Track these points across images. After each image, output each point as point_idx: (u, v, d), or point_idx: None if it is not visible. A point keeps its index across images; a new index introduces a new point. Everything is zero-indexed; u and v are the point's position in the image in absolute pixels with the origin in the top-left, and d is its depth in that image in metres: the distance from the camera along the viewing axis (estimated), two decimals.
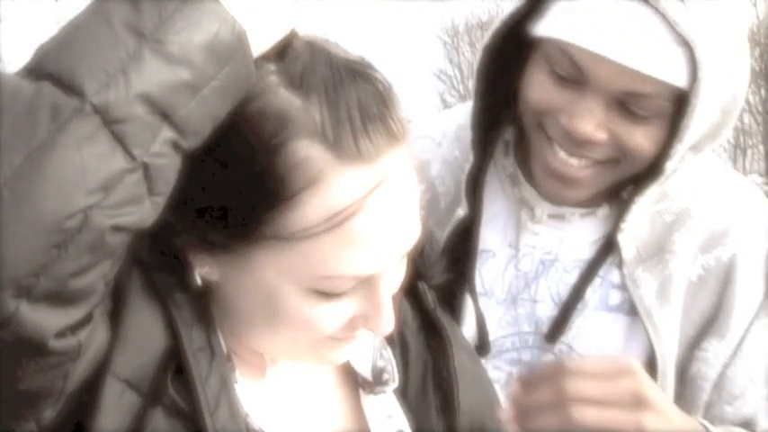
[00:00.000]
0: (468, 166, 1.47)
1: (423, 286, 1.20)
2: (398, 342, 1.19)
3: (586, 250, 1.44)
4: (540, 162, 1.37)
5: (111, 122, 0.87)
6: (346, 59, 1.03)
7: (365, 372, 1.16)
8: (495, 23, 1.35)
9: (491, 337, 1.45)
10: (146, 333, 1.01)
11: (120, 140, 0.88)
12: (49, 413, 0.95)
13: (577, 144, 1.31)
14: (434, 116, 1.71)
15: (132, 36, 0.90)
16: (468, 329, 1.47)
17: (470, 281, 1.47)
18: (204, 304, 1.05)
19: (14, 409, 0.95)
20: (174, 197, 0.95)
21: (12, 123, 0.87)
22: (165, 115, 0.90)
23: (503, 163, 1.49)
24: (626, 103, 1.28)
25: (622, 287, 1.41)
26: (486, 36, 1.37)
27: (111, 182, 0.88)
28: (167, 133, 0.91)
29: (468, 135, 1.44)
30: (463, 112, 1.49)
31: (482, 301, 1.47)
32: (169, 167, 0.92)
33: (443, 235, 1.47)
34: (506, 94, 1.38)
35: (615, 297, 1.42)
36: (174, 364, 1.01)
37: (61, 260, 0.87)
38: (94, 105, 0.87)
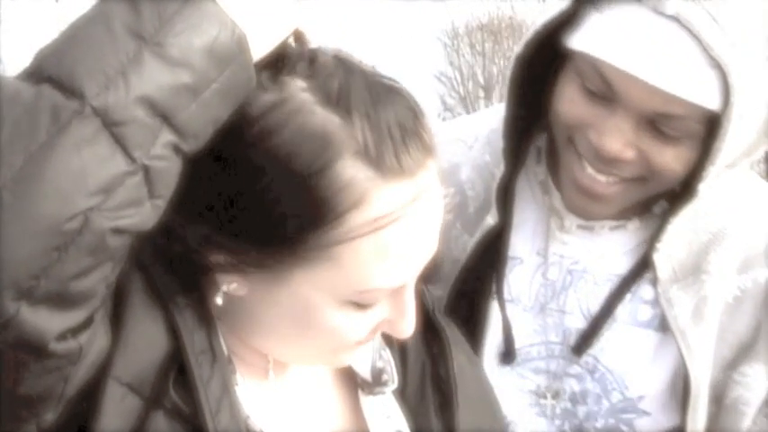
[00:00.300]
0: (498, 172, 1.45)
1: (422, 288, 1.19)
2: (397, 343, 1.18)
3: (617, 263, 1.42)
4: (569, 176, 1.36)
5: (111, 125, 0.87)
6: (377, 75, 1.04)
7: (364, 372, 1.16)
8: (529, 32, 1.33)
9: (516, 345, 1.44)
10: (147, 336, 1.01)
11: (121, 143, 0.88)
12: (49, 416, 0.95)
13: (605, 161, 1.31)
14: (466, 118, 1.69)
15: (132, 39, 0.90)
16: (494, 336, 1.47)
17: (499, 289, 1.46)
18: (206, 307, 1.05)
19: (15, 412, 0.95)
20: (206, 219, 0.99)
21: (12, 126, 0.86)
22: (166, 118, 0.90)
23: (534, 170, 1.48)
24: (656, 123, 1.26)
25: (653, 303, 1.39)
26: (519, 45, 1.35)
27: (112, 184, 0.88)
28: (168, 136, 0.91)
29: (499, 140, 1.42)
30: (496, 116, 1.47)
31: (508, 308, 1.46)
32: (170, 170, 0.92)
33: (472, 241, 1.46)
34: (538, 102, 1.36)
35: (645, 313, 1.41)
36: (176, 368, 1.01)
37: (62, 262, 0.87)
38: (94, 108, 0.87)
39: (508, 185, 1.45)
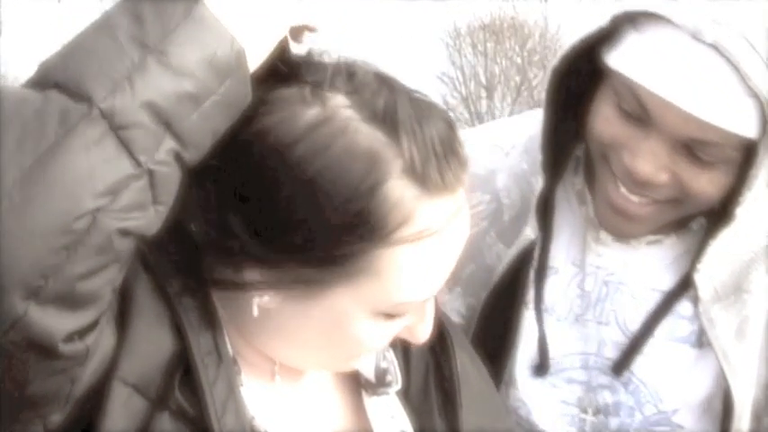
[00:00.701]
0: (535, 181, 1.44)
1: None
2: (400, 344, 1.17)
3: (655, 277, 1.40)
4: (602, 194, 1.35)
5: (117, 128, 0.89)
6: (415, 92, 1.05)
7: (368, 373, 1.15)
8: (567, 46, 1.32)
9: (553, 357, 1.43)
10: (153, 338, 1.01)
11: (126, 146, 0.89)
12: (56, 418, 0.96)
13: (638, 184, 1.30)
14: (501, 123, 1.66)
15: (137, 47, 0.91)
16: (527, 346, 1.45)
17: (538, 301, 1.43)
18: (211, 309, 1.05)
19: (22, 414, 0.95)
20: (255, 237, 0.99)
21: (20, 128, 0.88)
22: (168, 125, 0.91)
23: (572, 180, 1.47)
24: (691, 148, 1.24)
25: (691, 319, 1.38)
26: (556, 58, 1.34)
27: (118, 186, 0.89)
28: (170, 143, 0.92)
29: (537, 148, 1.41)
30: (533, 123, 1.45)
31: (543, 318, 1.45)
32: (172, 178, 0.93)
33: (509, 253, 1.45)
34: (576, 114, 1.35)
35: (683, 329, 1.40)
36: (181, 369, 1.01)
37: (70, 262, 0.87)
38: (102, 110, 0.88)
39: (548, 198, 1.44)
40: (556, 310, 1.44)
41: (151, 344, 1.00)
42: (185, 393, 1.00)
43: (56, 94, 0.89)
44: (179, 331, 1.02)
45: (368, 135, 0.99)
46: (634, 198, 1.32)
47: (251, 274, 1.02)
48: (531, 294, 1.45)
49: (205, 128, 0.94)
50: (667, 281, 1.41)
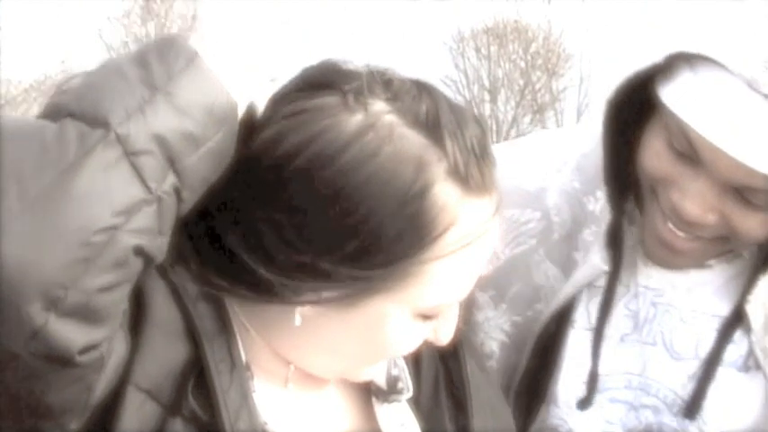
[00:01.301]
0: (587, 201, 1.41)
1: None
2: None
3: (705, 301, 1.39)
4: (649, 227, 1.35)
5: (131, 153, 0.93)
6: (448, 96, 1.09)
7: (379, 380, 1.16)
8: (622, 80, 1.30)
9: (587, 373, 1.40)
10: (167, 344, 1.03)
11: (139, 172, 0.94)
12: (74, 425, 0.98)
13: (686, 223, 1.28)
14: (551, 137, 1.63)
15: (146, 86, 0.96)
16: (570, 365, 1.42)
17: (600, 329, 1.41)
18: (225, 314, 1.07)
19: (40, 423, 0.97)
20: (306, 247, 1.00)
21: (41, 148, 0.92)
22: (172, 161, 0.96)
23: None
24: (741, 191, 1.24)
25: (739, 344, 1.37)
26: (611, 91, 1.32)
27: (132, 208, 0.93)
28: (172, 178, 0.96)
29: (590, 166, 1.39)
30: (585, 139, 1.44)
31: (586, 336, 1.44)
32: (172, 211, 0.97)
33: (574, 279, 1.43)
34: (629, 144, 1.34)
35: (731, 353, 1.39)
36: (195, 375, 1.02)
37: (89, 274, 0.91)
38: (118, 134, 0.93)
39: (617, 230, 1.42)
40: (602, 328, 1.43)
41: (165, 350, 1.02)
42: (198, 399, 1.01)
43: (72, 121, 0.93)
44: (193, 337, 1.03)
45: (412, 139, 1.02)
46: (681, 234, 1.31)
47: (302, 285, 1.03)
48: (578, 314, 1.44)
49: (200, 171, 0.98)
50: (716, 305, 1.40)
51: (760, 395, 1.36)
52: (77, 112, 0.94)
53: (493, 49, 20.96)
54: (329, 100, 1.03)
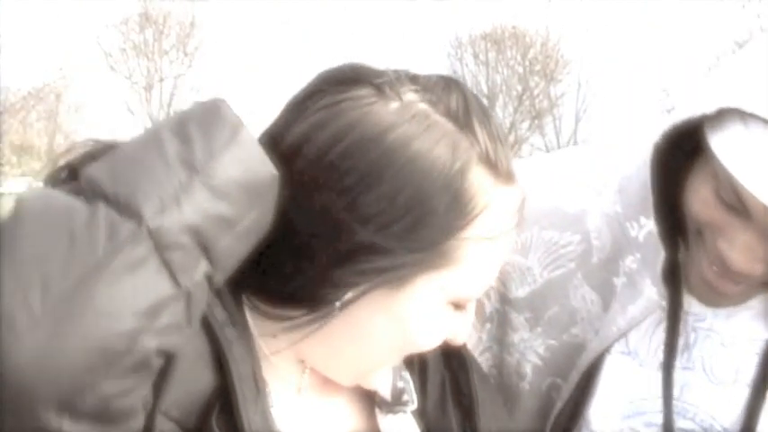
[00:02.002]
0: (630, 226, 1.40)
1: None
2: (417, 359, 1.20)
3: (745, 326, 1.38)
4: (694, 266, 1.32)
5: (161, 248, 0.90)
6: None
7: (384, 392, 1.16)
8: (669, 124, 1.27)
9: (629, 399, 1.39)
10: (196, 373, 1.01)
11: (168, 267, 0.91)
12: None
13: (732, 272, 1.27)
14: (589, 157, 1.59)
15: (184, 168, 0.93)
16: (606, 390, 1.42)
17: (668, 368, 1.39)
18: (250, 338, 1.07)
19: None
20: (362, 228, 1.01)
21: (70, 239, 0.89)
22: (206, 248, 0.94)
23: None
24: None
25: None
26: (658, 134, 1.30)
27: (158, 307, 0.90)
28: (204, 265, 0.94)
29: (633, 190, 1.38)
30: (625, 160, 1.42)
31: (625, 362, 1.42)
32: (202, 300, 0.95)
33: (629, 314, 1.41)
34: (679, 184, 1.32)
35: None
36: (220, 401, 1.02)
37: (107, 380, 0.88)
38: (150, 229, 0.90)
39: (674, 266, 1.37)
40: (639, 353, 1.41)
41: (194, 379, 1.01)
42: (220, 423, 1.01)
43: (104, 207, 0.90)
44: (220, 364, 1.02)
45: (446, 125, 1.04)
46: (725, 280, 1.30)
47: (359, 267, 1.03)
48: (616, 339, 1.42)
49: (234, 252, 0.97)
50: (756, 329, 1.38)
51: None
52: (111, 195, 0.91)
53: (491, 55, 20.99)
54: (363, 91, 1.05)
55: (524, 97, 21.01)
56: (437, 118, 1.05)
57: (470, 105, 1.08)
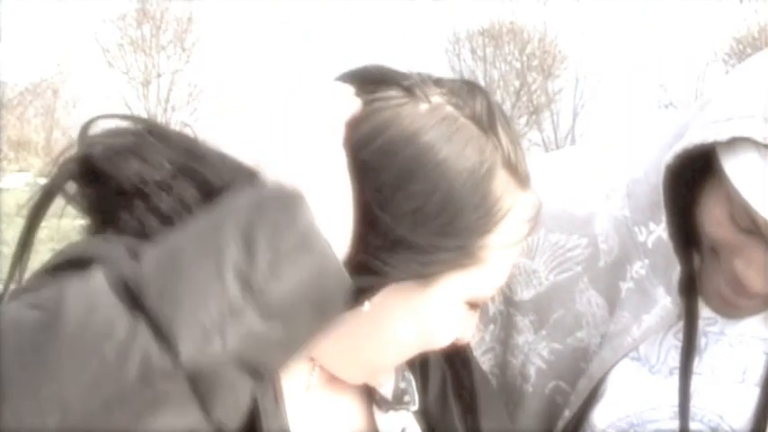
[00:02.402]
0: (638, 231, 1.39)
1: None
2: (417, 356, 1.20)
3: (753, 326, 1.38)
4: (709, 280, 1.32)
5: (197, 382, 0.86)
6: None
7: (385, 390, 1.19)
8: (682, 146, 1.26)
9: (641, 408, 1.38)
10: None
11: (204, 406, 0.87)
12: None
13: (748, 291, 1.26)
14: (595, 158, 1.57)
15: (239, 286, 0.88)
16: (612, 396, 1.39)
17: (686, 381, 1.38)
18: (277, 378, 1.06)
19: None
20: (396, 227, 1.04)
21: (100, 363, 0.84)
22: (256, 373, 0.90)
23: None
24: None
25: None
26: (669, 155, 1.29)
27: None
28: (250, 385, 0.91)
29: (641, 193, 1.37)
30: (634, 163, 1.41)
31: (635, 367, 1.42)
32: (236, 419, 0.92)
33: (645, 323, 1.38)
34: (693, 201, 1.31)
35: None
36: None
37: None
38: (186, 371, 0.86)
39: (690, 279, 1.39)
40: (650, 360, 1.41)
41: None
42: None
43: (144, 327, 0.85)
44: (251, 416, 1.00)
45: (472, 129, 1.08)
46: (741, 297, 1.30)
47: (387, 268, 1.06)
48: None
49: (285, 359, 0.95)
50: (763, 329, 1.39)
51: None
52: (154, 312, 0.86)
53: (488, 50, 20.93)
54: (393, 92, 1.07)
55: (522, 93, 20.96)
56: (464, 121, 1.07)
57: (494, 110, 1.11)
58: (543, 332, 1.46)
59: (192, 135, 1.12)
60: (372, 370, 1.16)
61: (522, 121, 21.22)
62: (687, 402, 1.39)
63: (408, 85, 1.08)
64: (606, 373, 1.42)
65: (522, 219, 1.13)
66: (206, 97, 18.48)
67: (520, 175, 1.12)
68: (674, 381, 1.41)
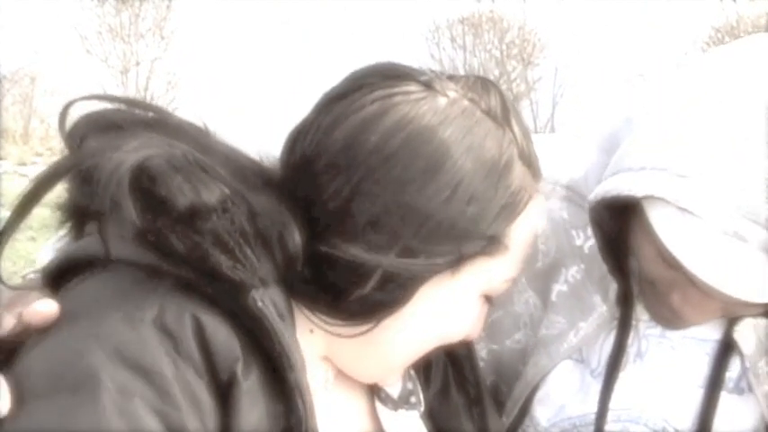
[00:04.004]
0: (576, 235, 1.41)
1: None
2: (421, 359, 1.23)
3: (695, 327, 1.39)
4: (648, 304, 1.33)
5: None
6: None
7: (391, 390, 1.22)
8: (599, 192, 1.26)
9: (583, 410, 1.40)
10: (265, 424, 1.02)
11: None
12: None
13: (686, 324, 1.29)
14: (544, 157, 1.59)
15: None
16: (549, 395, 1.42)
17: (609, 381, 1.40)
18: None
19: None
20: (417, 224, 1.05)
21: None
22: None
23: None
24: None
25: (729, 368, 1.39)
26: (591, 196, 1.30)
27: None
28: None
29: (579, 198, 1.39)
30: (574, 164, 1.41)
31: (578, 370, 1.43)
32: None
33: (537, 301, 1.42)
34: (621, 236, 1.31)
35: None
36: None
37: None
38: None
39: (627, 293, 1.39)
40: (591, 362, 1.41)
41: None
42: None
43: None
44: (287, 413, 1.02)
45: (488, 122, 1.11)
46: (680, 322, 1.32)
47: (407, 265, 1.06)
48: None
49: None
50: (704, 330, 1.39)
51: (754, 417, 1.36)
52: None
53: (468, 39, 20.92)
54: (412, 87, 1.08)
55: (501, 81, 20.96)
56: (481, 115, 1.09)
57: (507, 104, 1.13)
58: (482, 333, 1.46)
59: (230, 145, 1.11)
60: (387, 369, 1.16)
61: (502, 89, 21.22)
62: (605, 410, 1.39)
63: (426, 80, 1.10)
64: (543, 378, 1.41)
65: (536, 212, 1.16)
66: (185, 86, 18.39)
67: (534, 168, 1.15)
68: (617, 385, 1.42)
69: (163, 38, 18.92)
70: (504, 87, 20.97)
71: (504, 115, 1.12)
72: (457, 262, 1.09)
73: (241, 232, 0.99)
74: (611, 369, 1.39)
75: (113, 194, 0.98)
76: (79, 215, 1.07)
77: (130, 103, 1.09)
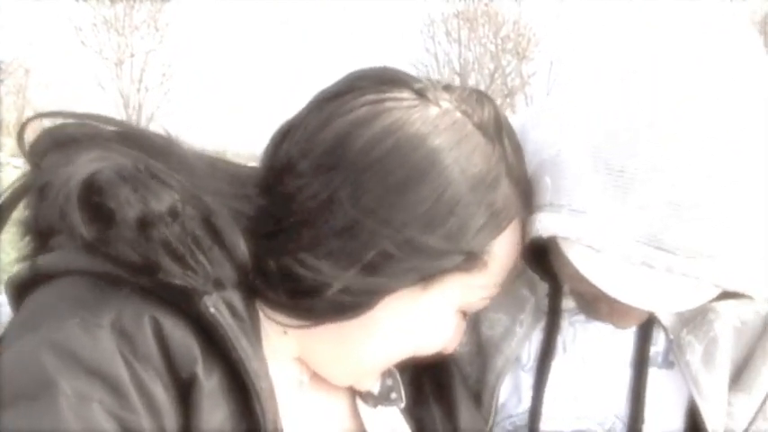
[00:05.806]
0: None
1: None
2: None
3: None
4: (578, 304, 1.33)
5: None
6: None
7: (373, 388, 1.19)
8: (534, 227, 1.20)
9: (516, 410, 1.39)
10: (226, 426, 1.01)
11: None
12: None
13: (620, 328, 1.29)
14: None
15: None
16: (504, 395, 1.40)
17: (542, 372, 1.40)
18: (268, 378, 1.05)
19: None
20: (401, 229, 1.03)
21: None
22: None
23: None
24: None
25: (656, 341, 1.37)
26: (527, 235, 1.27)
27: None
28: None
29: None
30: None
31: (512, 368, 1.42)
32: None
33: (519, 334, 1.40)
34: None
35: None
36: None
37: None
38: None
39: (555, 301, 1.40)
40: (522, 358, 1.41)
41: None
42: None
43: None
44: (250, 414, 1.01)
45: (479, 137, 1.08)
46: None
47: (405, 264, 1.05)
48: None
49: None
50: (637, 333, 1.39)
51: (687, 389, 1.35)
52: None
53: (463, 32, 20.92)
54: (404, 94, 1.07)
55: (496, 75, 20.97)
56: (472, 128, 1.07)
57: (501, 120, 1.11)
58: None
59: (185, 149, 1.09)
60: (360, 374, 1.15)
61: (497, 103, 21.20)
62: (540, 404, 1.39)
63: (420, 89, 1.08)
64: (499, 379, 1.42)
65: (521, 230, 1.13)
66: (179, 77, 18.38)
67: (521, 186, 1.12)
68: (549, 377, 1.40)
69: (157, 30, 18.91)
70: (498, 81, 20.94)
71: (496, 131, 1.10)
72: (426, 278, 1.07)
73: (193, 237, 0.98)
74: (542, 363, 1.39)
75: (62, 208, 0.98)
76: (39, 230, 1.07)
77: (92, 118, 1.09)
